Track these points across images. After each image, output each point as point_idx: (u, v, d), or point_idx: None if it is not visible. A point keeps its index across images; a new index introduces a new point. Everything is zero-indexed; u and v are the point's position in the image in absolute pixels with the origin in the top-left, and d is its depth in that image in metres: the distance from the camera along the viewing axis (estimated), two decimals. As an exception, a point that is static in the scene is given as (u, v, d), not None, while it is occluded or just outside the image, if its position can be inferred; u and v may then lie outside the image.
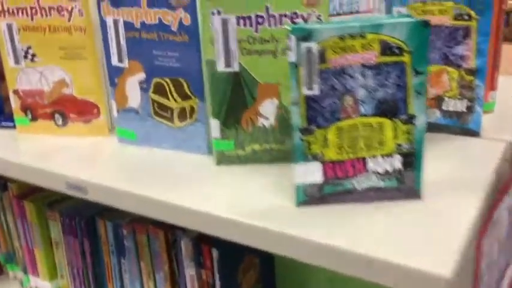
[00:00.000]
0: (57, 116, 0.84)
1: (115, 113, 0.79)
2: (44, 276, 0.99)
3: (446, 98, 0.77)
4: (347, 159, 0.58)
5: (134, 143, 0.79)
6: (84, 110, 0.82)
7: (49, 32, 0.79)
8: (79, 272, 0.95)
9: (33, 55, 0.81)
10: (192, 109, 0.73)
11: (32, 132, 0.85)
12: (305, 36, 0.53)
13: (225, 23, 0.64)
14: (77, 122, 0.83)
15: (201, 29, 0.66)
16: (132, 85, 0.76)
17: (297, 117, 0.56)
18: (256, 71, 0.67)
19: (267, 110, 0.69)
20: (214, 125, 0.70)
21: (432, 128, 0.78)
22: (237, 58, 0.66)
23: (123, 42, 0.74)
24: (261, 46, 0.66)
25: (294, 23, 0.65)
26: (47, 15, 0.78)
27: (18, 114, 0.85)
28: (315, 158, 0.58)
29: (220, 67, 0.67)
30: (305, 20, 0.65)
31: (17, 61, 0.81)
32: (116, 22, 0.73)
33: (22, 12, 0.78)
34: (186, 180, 0.69)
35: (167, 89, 0.74)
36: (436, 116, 0.78)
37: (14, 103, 0.84)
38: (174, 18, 0.69)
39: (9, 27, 0.80)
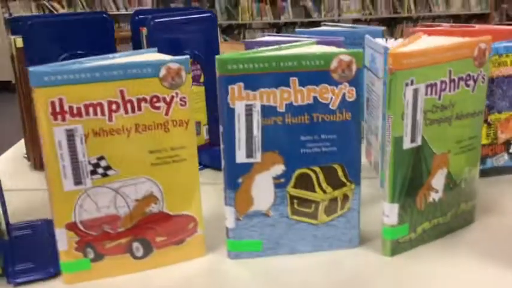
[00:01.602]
0: (136, 245, 0.60)
1: (231, 223, 0.61)
2: None
3: (512, 141, 0.83)
4: None
5: (257, 255, 0.62)
6: (178, 229, 0.61)
7: (135, 132, 0.56)
8: None
9: (107, 168, 0.56)
10: (346, 197, 0.62)
11: (94, 278, 0.59)
12: None
13: (415, 93, 0.57)
14: (164, 247, 0.61)
15: (390, 102, 0.56)
16: (263, 182, 0.60)
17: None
18: (434, 141, 0.60)
19: (438, 182, 0.63)
20: (392, 210, 0.60)
21: (501, 171, 0.83)
22: (421, 131, 0.59)
23: (257, 132, 0.58)
24: (440, 114, 0.60)
25: (467, 85, 0.61)
26: (134, 111, 0.55)
27: (71, 257, 0.58)
28: None
29: (406, 144, 0.58)
30: (475, 81, 0.62)
31: (78, 181, 0.55)
32: (249, 108, 0.57)
33: (95, 111, 0.54)
34: None
35: (314, 180, 0.60)
36: (505, 159, 0.83)
37: (66, 243, 0.57)
38: (335, 94, 0.58)
39: (70, 135, 0.54)
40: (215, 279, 0.60)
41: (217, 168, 0.87)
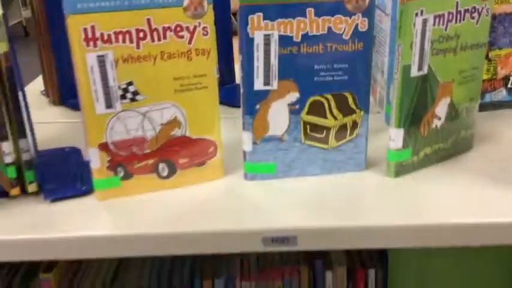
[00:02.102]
0: (162, 166, 0.65)
1: (248, 147, 0.66)
2: None
3: (511, 77, 0.87)
4: None
5: (272, 177, 0.67)
6: (199, 152, 0.66)
7: (161, 60, 0.60)
8: None
9: (135, 93, 0.60)
10: (355, 124, 0.67)
11: (124, 194, 0.64)
12: None
13: (424, 23, 0.60)
14: (187, 168, 0.66)
15: (400, 32, 0.60)
16: (279, 109, 0.64)
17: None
18: (439, 70, 0.65)
19: (441, 110, 0.67)
20: (398, 134, 0.65)
21: (499, 105, 0.87)
22: (427, 60, 0.63)
23: (274, 60, 0.62)
24: (446, 44, 0.64)
25: (472, 17, 0.65)
26: (159, 39, 0.59)
27: (103, 175, 0.63)
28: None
29: (414, 72, 0.62)
30: (479, 14, 0.65)
31: (109, 105, 0.60)
32: (267, 38, 0.61)
33: (124, 38, 0.58)
34: (394, 198, 0.63)
35: (326, 107, 0.65)
36: (503, 94, 0.87)
37: (99, 162, 0.62)
38: (348, 25, 0.61)
39: (102, 61, 0.58)
40: (233, 197, 0.65)
41: (229, 104, 0.91)
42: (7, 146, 0.62)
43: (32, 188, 0.64)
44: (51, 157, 0.72)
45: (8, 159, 0.62)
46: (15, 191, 0.63)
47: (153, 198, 0.65)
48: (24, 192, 0.64)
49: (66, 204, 0.64)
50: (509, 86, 0.87)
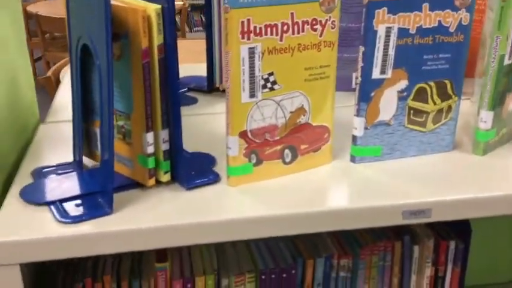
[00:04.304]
0: (286, 152, 0.69)
1: (360, 132, 0.72)
2: None
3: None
4: None
5: (377, 159, 0.74)
6: (317, 138, 0.71)
7: (298, 51, 0.64)
8: None
9: (274, 83, 0.64)
10: (449, 108, 0.75)
11: (254, 180, 0.67)
12: None
13: (517, 18, 0.70)
14: (305, 154, 0.70)
15: (500, 25, 0.69)
16: (390, 96, 0.71)
17: None
18: (519, 60, 0.74)
19: (516, 94, 0.77)
20: (489, 116, 0.74)
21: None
22: (515, 49, 0.72)
23: (391, 51, 0.68)
24: (525, 36, 0.73)
25: (544, 13, 0.75)
26: (299, 32, 0.64)
27: (238, 162, 0.66)
28: None
29: (506, 60, 0.71)
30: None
31: (252, 94, 0.63)
32: (388, 30, 0.67)
33: (271, 31, 0.62)
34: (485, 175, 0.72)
35: (429, 93, 0.72)
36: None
37: (237, 149, 0.65)
38: (454, 19, 0.69)
39: (252, 53, 0.61)
40: (353, 178, 0.70)
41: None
42: (151, 137, 0.63)
43: (166, 177, 0.66)
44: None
45: (150, 149, 0.63)
46: (152, 181, 0.65)
47: (277, 182, 0.69)
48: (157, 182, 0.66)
49: (201, 191, 0.66)
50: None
